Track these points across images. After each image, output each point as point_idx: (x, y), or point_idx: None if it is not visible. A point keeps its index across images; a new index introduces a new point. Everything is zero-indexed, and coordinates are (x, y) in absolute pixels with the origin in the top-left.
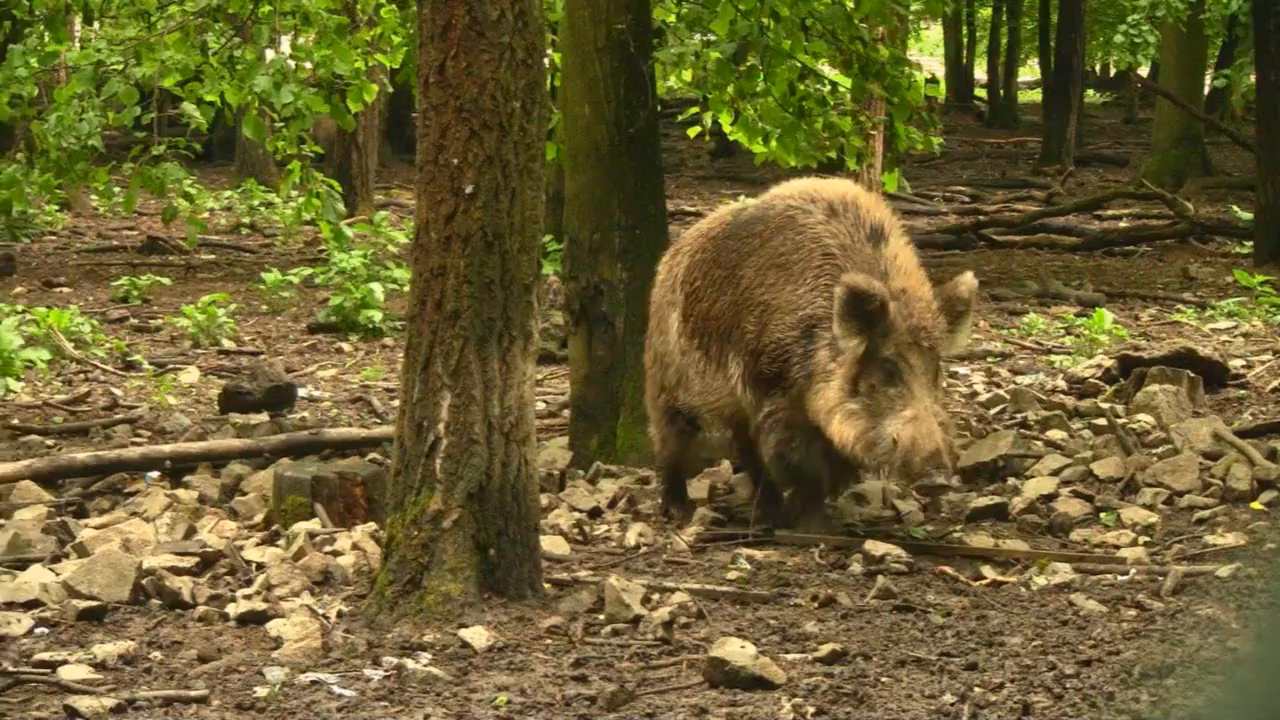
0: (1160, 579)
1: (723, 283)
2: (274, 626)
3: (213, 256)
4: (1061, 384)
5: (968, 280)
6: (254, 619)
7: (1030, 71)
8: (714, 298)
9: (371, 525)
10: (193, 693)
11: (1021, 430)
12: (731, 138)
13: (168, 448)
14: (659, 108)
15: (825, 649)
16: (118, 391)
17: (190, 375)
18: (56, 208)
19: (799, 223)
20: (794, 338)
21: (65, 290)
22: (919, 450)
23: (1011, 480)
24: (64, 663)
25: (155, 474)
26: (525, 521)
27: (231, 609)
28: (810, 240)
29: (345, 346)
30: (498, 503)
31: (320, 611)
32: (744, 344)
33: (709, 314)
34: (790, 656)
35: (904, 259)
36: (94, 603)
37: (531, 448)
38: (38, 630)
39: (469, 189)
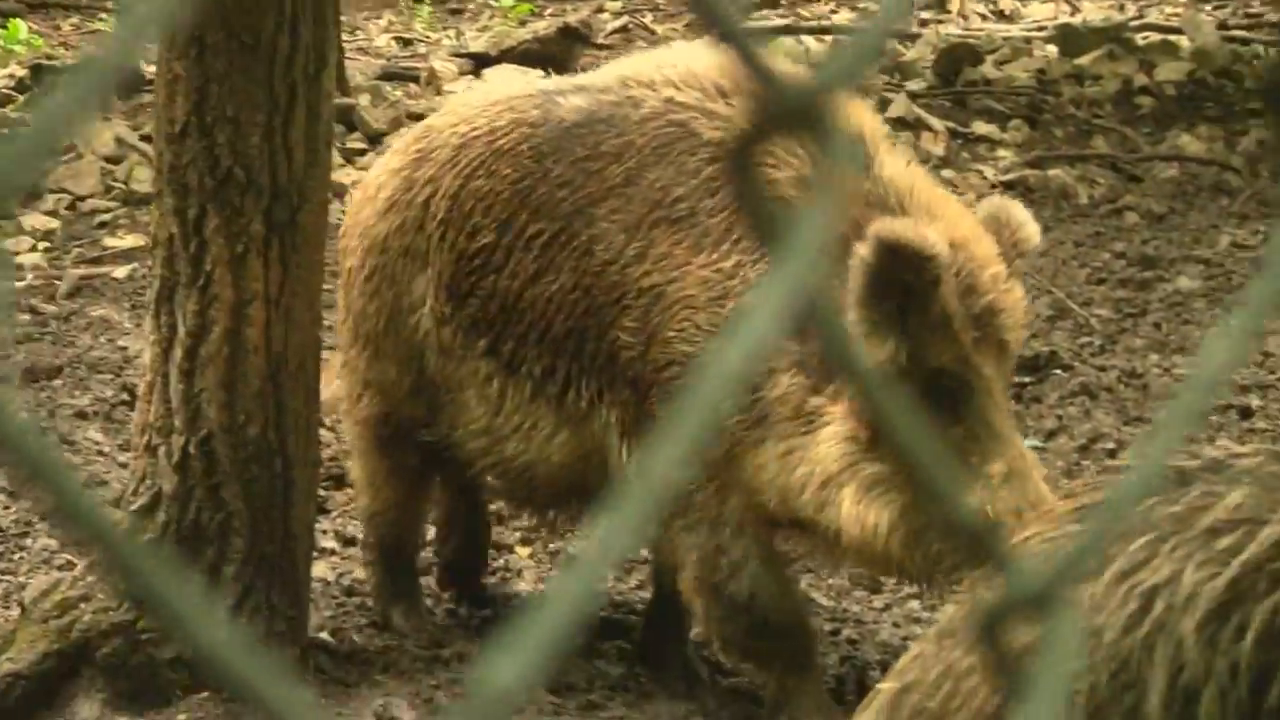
0: (57, 283)
1: (550, 246)
2: None
3: None
4: None
5: (1022, 215)
6: None
7: None
8: (532, 271)
9: None
10: None
11: None
12: None
13: None
14: None
15: None
16: None
17: None
18: None
19: (696, 133)
20: None
21: None
22: None
23: None
24: None
25: None
26: None
27: None
28: None
29: None
30: None
31: None
32: (618, 366)
33: (520, 299)
34: None
35: (920, 184)
36: None
37: None
38: None
39: None
